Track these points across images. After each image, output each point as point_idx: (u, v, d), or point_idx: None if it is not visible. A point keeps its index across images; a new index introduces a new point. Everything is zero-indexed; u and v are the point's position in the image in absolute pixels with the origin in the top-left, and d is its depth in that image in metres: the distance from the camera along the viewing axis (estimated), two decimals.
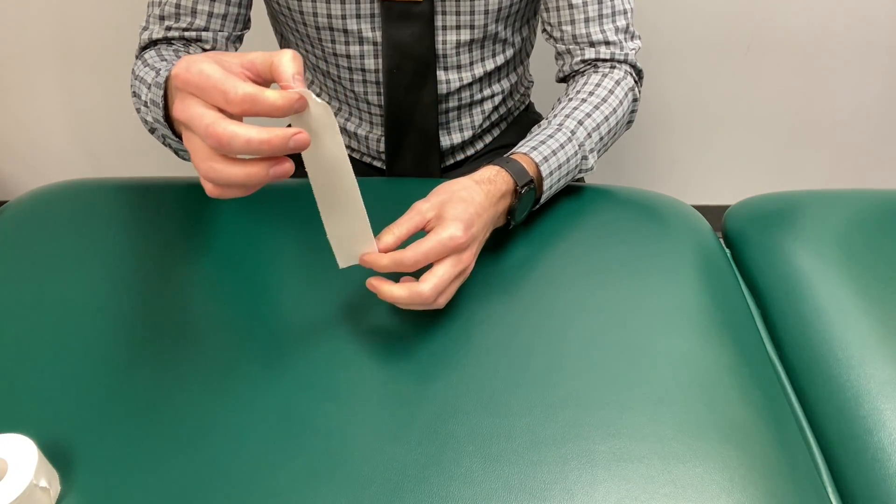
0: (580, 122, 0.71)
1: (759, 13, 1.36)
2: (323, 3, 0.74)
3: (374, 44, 0.77)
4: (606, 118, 0.73)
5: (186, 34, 0.74)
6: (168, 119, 0.60)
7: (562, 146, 0.68)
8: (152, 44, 0.75)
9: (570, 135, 0.69)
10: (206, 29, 0.75)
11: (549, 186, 0.67)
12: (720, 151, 1.58)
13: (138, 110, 0.69)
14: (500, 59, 0.83)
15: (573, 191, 0.73)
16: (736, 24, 1.38)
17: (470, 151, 0.90)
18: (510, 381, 0.52)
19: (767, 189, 0.79)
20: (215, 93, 0.40)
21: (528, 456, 0.47)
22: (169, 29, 0.74)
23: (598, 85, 0.75)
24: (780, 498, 0.47)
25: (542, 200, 0.69)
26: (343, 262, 0.55)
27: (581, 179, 0.97)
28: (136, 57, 0.75)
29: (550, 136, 0.68)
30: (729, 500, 0.46)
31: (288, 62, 0.42)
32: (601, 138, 0.73)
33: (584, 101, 0.73)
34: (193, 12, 0.74)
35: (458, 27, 0.77)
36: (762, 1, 1.35)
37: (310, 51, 0.81)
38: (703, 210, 0.78)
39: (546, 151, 0.67)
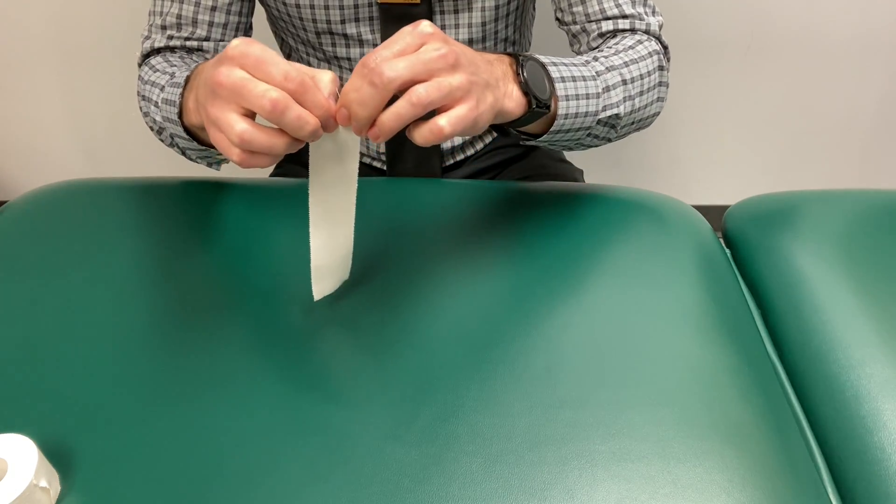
0: (600, 62, 0.66)
1: (760, 13, 1.36)
2: (322, 9, 0.74)
3: (374, 46, 0.77)
4: (627, 64, 0.67)
5: (188, 44, 0.75)
6: (180, 118, 0.62)
7: (580, 72, 0.62)
8: (155, 52, 0.75)
9: (594, 74, 0.64)
10: (207, 38, 0.75)
11: (565, 96, 0.60)
12: (720, 151, 1.58)
13: (146, 113, 0.69)
14: None
15: (573, 190, 0.73)
16: (736, 24, 1.38)
17: (470, 151, 0.90)
18: (510, 381, 0.52)
19: (767, 189, 0.79)
20: (274, 69, 0.44)
21: (528, 456, 0.47)
22: (171, 38, 0.75)
23: (617, 42, 0.71)
24: (780, 498, 0.47)
25: (560, 118, 0.60)
26: (318, 292, 0.55)
27: (581, 179, 0.97)
28: (140, 64, 0.75)
29: (569, 61, 0.63)
30: (729, 500, 0.46)
31: (328, 81, 0.45)
32: (625, 83, 0.66)
33: (606, 52, 0.69)
34: (195, 22, 0.74)
35: (456, 26, 0.77)
36: (762, 1, 1.35)
37: (311, 54, 0.81)
38: (703, 210, 0.77)
39: (556, 60, 0.61)
